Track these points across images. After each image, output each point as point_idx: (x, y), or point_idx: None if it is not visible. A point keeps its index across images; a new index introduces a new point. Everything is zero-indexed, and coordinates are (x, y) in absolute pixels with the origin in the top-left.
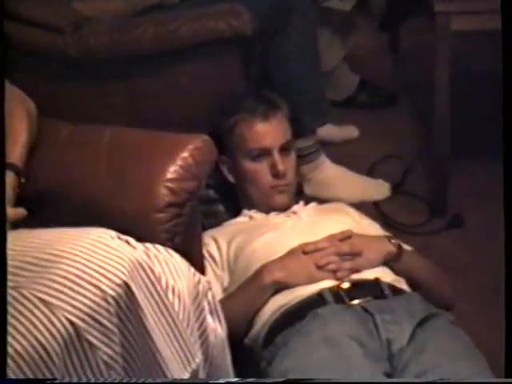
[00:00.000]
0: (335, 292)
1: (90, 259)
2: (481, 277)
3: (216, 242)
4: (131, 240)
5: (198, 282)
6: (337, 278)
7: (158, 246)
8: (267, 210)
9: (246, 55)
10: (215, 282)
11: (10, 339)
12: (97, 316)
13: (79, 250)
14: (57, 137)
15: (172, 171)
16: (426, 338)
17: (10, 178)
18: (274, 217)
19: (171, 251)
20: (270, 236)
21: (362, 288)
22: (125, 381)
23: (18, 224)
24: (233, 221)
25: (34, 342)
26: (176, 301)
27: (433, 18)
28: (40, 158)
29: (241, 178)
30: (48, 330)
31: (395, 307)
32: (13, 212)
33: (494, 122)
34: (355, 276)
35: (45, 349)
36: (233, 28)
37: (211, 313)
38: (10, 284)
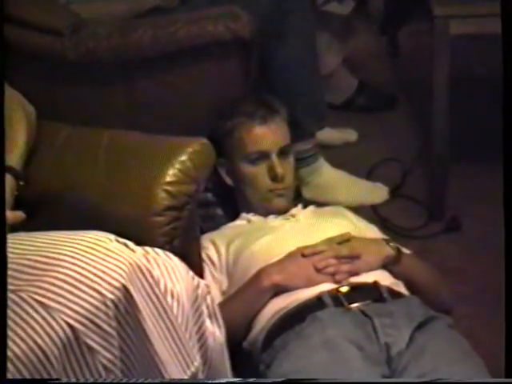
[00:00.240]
0: (334, 295)
1: (89, 262)
2: (479, 280)
3: (215, 246)
4: (130, 243)
5: (197, 286)
6: (335, 281)
7: (157, 250)
8: (266, 213)
9: (244, 58)
10: (214, 286)
11: (9, 342)
12: (96, 319)
13: (78, 253)
14: (55, 139)
15: (171, 174)
16: (424, 341)
17: (8, 181)
18: (273, 220)
19: (170, 254)
20: (269, 239)
21: (361, 291)
22: (124, 381)
23: (17, 227)
24: (231, 224)
25: (33, 345)
26: (175, 304)
27: (432, 22)
28: (38, 160)
29: (239, 181)
30: (47, 333)
31: (394, 311)
32: (11, 215)
33: (493, 126)
34: (354, 279)
35: (43, 352)
36: (231, 31)
37: (210, 316)
38: (9, 287)
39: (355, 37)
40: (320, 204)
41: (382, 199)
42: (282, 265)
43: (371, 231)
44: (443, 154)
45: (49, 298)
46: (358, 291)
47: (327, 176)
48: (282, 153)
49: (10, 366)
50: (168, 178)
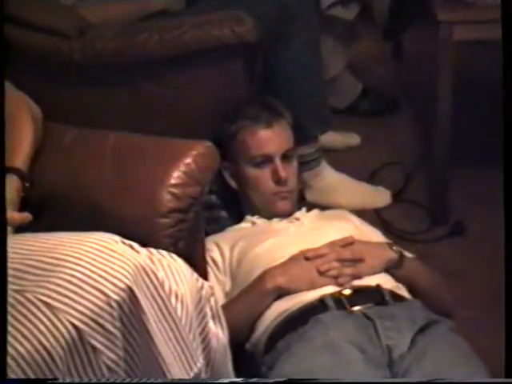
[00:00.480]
0: (337, 298)
1: (94, 263)
2: (482, 284)
3: (219, 248)
4: (135, 245)
5: (201, 287)
6: (338, 284)
7: (162, 251)
8: (270, 216)
9: (249, 62)
10: (217, 287)
11: (13, 342)
12: (100, 320)
13: (83, 254)
14: (61, 141)
15: (175, 177)
16: (426, 345)
17: (14, 182)
18: (277, 223)
19: (174, 256)
20: (273, 242)
21: (364, 294)
22: (126, 381)
23: (23, 228)
24: (236, 226)
25: (38, 345)
26: (179, 305)
27: (436, 27)
28: (44, 162)
29: (243, 184)
30: (51, 333)
31: (396, 314)
32: (18, 216)
33: (495, 130)
34: (356, 282)
35: (48, 352)
36: (236, 35)
37: (213, 318)
38: (14, 287)
39: (359, 41)
40: (323, 207)
41: (384, 203)
42: (285, 267)
43: (374, 235)
44: (446, 157)
45: (54, 299)
46: (361, 294)
47: (330, 179)
48: (286, 156)
49: (14, 365)
50: (173, 181)
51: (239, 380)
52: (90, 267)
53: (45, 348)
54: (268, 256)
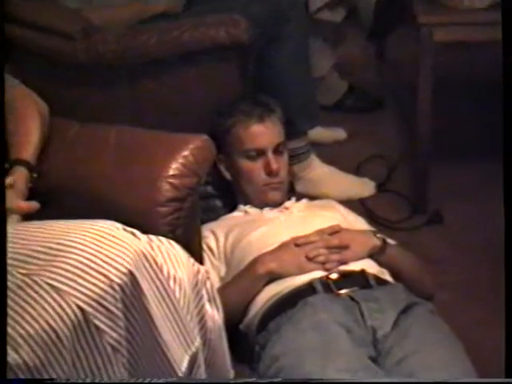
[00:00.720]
0: (324, 282)
1: (98, 249)
2: (459, 268)
3: (214, 235)
4: (136, 232)
5: (198, 272)
6: (326, 269)
7: (161, 238)
8: (261, 205)
9: (243, 61)
10: (213, 272)
11: (22, 322)
12: (104, 302)
13: (88, 241)
14: (66, 135)
15: (174, 168)
16: (408, 325)
17: (22, 173)
18: (268, 212)
19: (173, 242)
20: (264, 230)
21: (349, 279)
22: (125, 381)
23: (31, 216)
24: (229, 215)
25: (45, 326)
26: (177, 288)
27: (417, 30)
28: (51, 154)
29: (237, 175)
30: (58, 314)
31: (380, 297)
32: (26, 205)
33: (472, 127)
34: (343, 267)
35: (55, 331)
36: (231, 36)
37: (209, 300)
38: (22, 271)
39: (345, 43)
40: (312, 197)
41: (369, 193)
42: (276, 253)
43: (359, 223)
44: (426, 151)
45: (60, 282)
46: (347, 278)
47: (318, 171)
48: (277, 150)
49: (24, 344)
50: (171, 172)
51: (237, 380)
52: (94, 253)
53: (52, 328)
54: (260, 243)
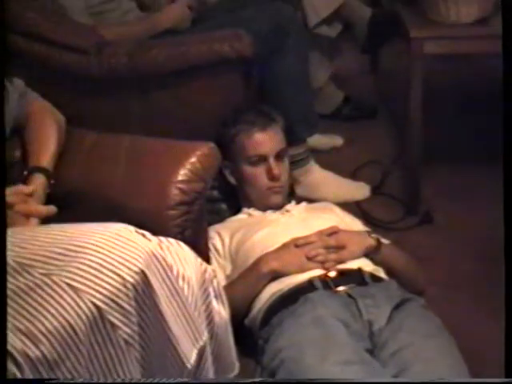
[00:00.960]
0: (323, 280)
1: (112, 250)
2: (448, 265)
3: (220, 236)
4: (147, 234)
5: (205, 271)
6: (324, 268)
7: (170, 239)
8: (264, 208)
9: (246, 74)
10: (219, 271)
11: (42, 319)
12: (117, 300)
13: (102, 243)
14: (82, 144)
15: (182, 174)
16: (401, 319)
17: (41, 180)
18: (270, 214)
19: (181, 243)
20: (267, 231)
21: (347, 276)
22: (127, 381)
23: (49, 219)
24: (234, 218)
25: (63, 322)
26: (185, 286)
27: (408, 43)
28: (67, 162)
29: (241, 180)
30: (75, 311)
31: (375, 293)
32: (44, 209)
33: (460, 133)
34: (340, 266)
35: (72, 327)
36: (235, 50)
37: (216, 297)
38: (42, 271)
39: (341, 56)
40: (311, 200)
41: (364, 196)
42: (278, 253)
43: (355, 224)
44: (417, 157)
45: (77, 281)
46: (344, 276)
47: (317, 176)
48: (279, 156)
49: (44, 340)
50: (180, 177)
51: (238, 380)
52: (108, 254)
53: (70, 324)
54: (263, 243)
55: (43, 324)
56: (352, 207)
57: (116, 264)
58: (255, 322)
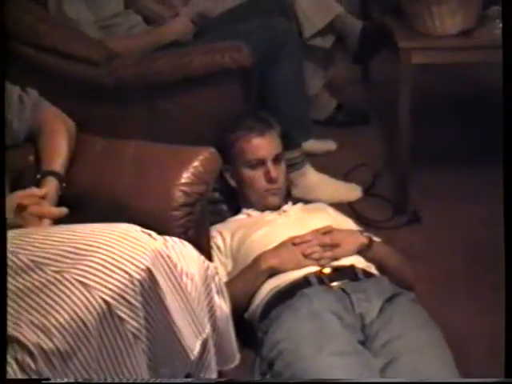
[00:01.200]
0: (318, 276)
1: (120, 249)
2: (435, 262)
3: (221, 235)
4: (152, 233)
5: (207, 268)
6: (320, 265)
7: (174, 238)
8: (262, 209)
9: (245, 83)
10: (221, 268)
11: (54, 313)
12: (125, 295)
13: (111, 242)
14: (92, 149)
15: (185, 177)
16: (391, 312)
17: (53, 183)
18: (268, 215)
19: (185, 242)
20: (265, 230)
21: (340, 273)
22: (124, 381)
23: (61, 220)
24: (234, 218)
25: (74, 316)
26: (189, 283)
27: (397, 53)
28: (78, 166)
29: (241, 182)
30: (86, 306)
31: (367, 288)
32: (57, 211)
33: (447, 137)
34: (334, 263)
35: (83, 321)
36: (235, 61)
37: (218, 293)
38: (54, 269)
39: (335, 65)
40: (306, 201)
41: (356, 197)
42: (276, 251)
43: (348, 224)
44: (406, 160)
45: (87, 278)
46: (338, 273)
47: (312, 178)
48: (276, 160)
49: (56, 333)
50: (183, 180)
51: (239, 380)
52: (116, 252)
53: (80, 318)
54: (262, 242)
55: (56, 318)
56: (345, 207)
57: (124, 262)
58: (255, 316)
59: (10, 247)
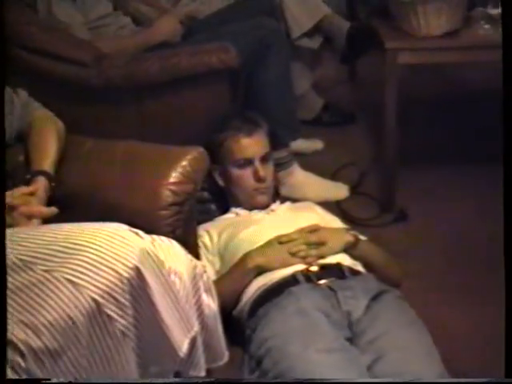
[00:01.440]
0: (305, 274)
1: (108, 248)
2: (421, 259)
3: (209, 234)
4: (140, 232)
5: (195, 266)
6: (306, 263)
7: (162, 237)
8: (250, 208)
9: (233, 83)
10: (209, 266)
11: (44, 312)
12: (114, 293)
13: (99, 241)
14: (81, 149)
15: (174, 176)
16: (378, 309)
17: (43, 182)
18: (256, 213)
19: (173, 241)
20: (253, 229)
21: (327, 271)
22: (122, 381)
23: (50, 219)
24: (222, 217)
25: (63, 315)
26: (177, 281)
27: (383, 54)
28: (67, 166)
29: (229, 182)
30: (74, 304)
31: (353, 285)
32: (46, 210)
33: (432, 136)
34: (321, 261)
35: (72, 320)
36: (223, 61)
37: (206, 291)
38: (43, 268)
39: (322, 66)
40: (294, 200)
41: (343, 196)
42: (263, 250)
43: (335, 222)
44: (392, 159)
45: (76, 277)
46: (325, 270)
47: (299, 177)
48: (264, 159)
49: (46, 332)
50: (171, 180)
51: (236, 380)
52: (104, 251)
53: (69, 317)
54: (249, 240)
55: (45, 317)
56: (332, 206)
57: (112, 260)
58: (243, 314)
59: None
